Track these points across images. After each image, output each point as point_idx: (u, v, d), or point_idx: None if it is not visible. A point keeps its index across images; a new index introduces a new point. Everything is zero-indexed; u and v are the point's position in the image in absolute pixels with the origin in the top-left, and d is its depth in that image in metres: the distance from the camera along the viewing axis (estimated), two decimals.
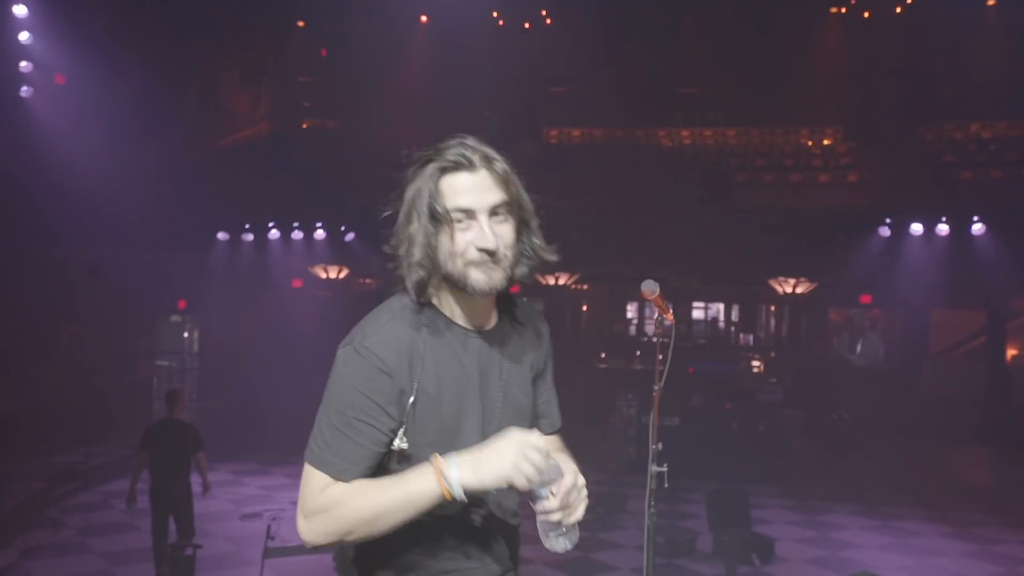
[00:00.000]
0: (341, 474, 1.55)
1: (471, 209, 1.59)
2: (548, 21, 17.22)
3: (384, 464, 1.61)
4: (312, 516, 1.53)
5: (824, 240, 12.23)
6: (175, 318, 12.48)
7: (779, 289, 13.43)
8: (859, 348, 14.43)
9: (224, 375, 12.44)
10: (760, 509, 8.21)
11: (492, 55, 15.85)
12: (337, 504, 1.53)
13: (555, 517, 1.53)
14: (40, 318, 11.01)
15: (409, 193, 1.62)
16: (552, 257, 1.72)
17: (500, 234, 1.61)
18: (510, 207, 1.63)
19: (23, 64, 10.88)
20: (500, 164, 1.62)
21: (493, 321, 1.75)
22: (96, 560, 6.57)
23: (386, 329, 1.62)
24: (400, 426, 1.59)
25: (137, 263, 11.78)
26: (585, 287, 14.88)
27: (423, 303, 1.65)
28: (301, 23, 16.17)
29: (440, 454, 1.53)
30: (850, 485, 9.49)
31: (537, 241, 1.69)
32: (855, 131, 15.67)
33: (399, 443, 1.60)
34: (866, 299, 13.39)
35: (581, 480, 1.58)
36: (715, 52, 16.14)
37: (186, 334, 12.41)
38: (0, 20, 10.48)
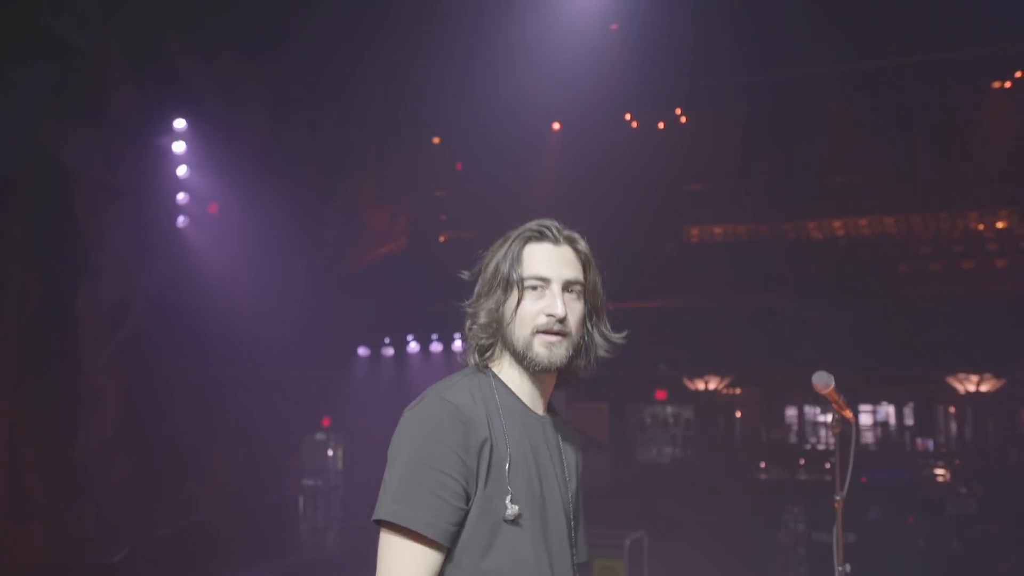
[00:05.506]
0: (424, 528, 1.51)
1: (547, 278, 1.67)
2: (683, 119, 17.27)
3: (492, 532, 1.57)
4: None
5: (1010, 331, 11.30)
6: (320, 436, 12.79)
7: (960, 387, 12.45)
8: None
9: (370, 493, 12.51)
10: None
11: (626, 158, 16.01)
12: None
13: None
14: (195, 439, 11.53)
15: (492, 262, 1.73)
16: (620, 342, 1.78)
17: (571, 309, 1.68)
18: (584, 289, 1.71)
19: (180, 196, 11.79)
20: (583, 246, 1.73)
21: (543, 411, 1.77)
22: None
23: (461, 385, 1.66)
24: (480, 483, 1.58)
25: (284, 382, 12.24)
26: (738, 391, 14.30)
27: (487, 372, 1.71)
28: (436, 139, 16.89)
29: (534, 525, 1.58)
30: None
31: (605, 330, 1.77)
32: None
33: (510, 510, 1.57)
34: None
35: None
36: (865, 137, 15.66)
37: (330, 452, 12.66)
38: (161, 156, 11.43)
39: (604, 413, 13.93)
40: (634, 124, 17.27)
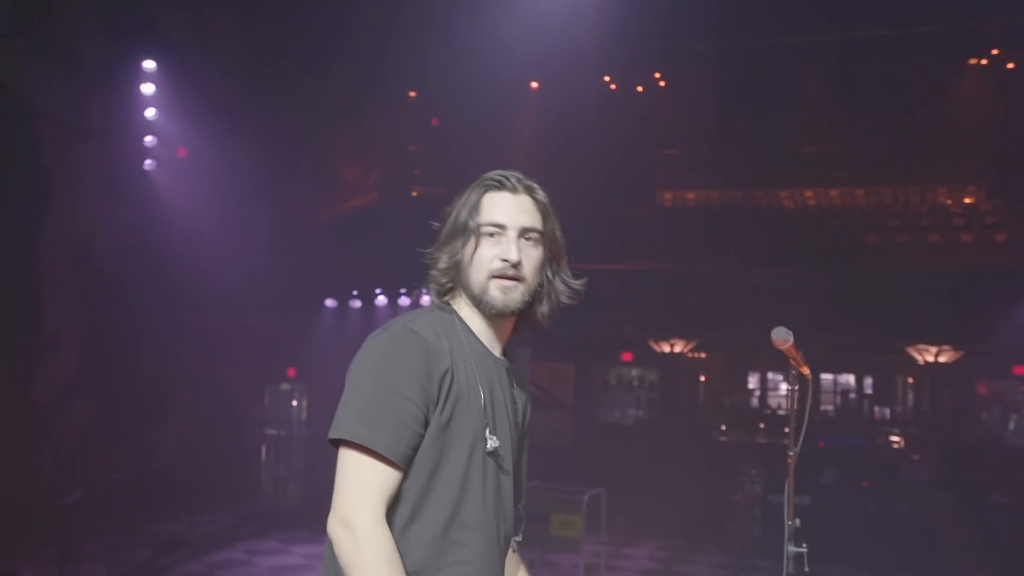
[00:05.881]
0: (386, 450, 1.56)
1: (503, 224, 1.73)
2: (662, 84, 17.16)
3: (442, 457, 1.63)
4: (357, 530, 1.52)
5: (970, 305, 11.44)
6: (285, 386, 12.72)
7: (919, 358, 12.61)
8: (1011, 425, 13.34)
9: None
10: None
11: (603, 119, 15.88)
12: (377, 557, 1.52)
13: None
14: (158, 385, 11.42)
15: (454, 210, 1.79)
16: (580, 288, 1.82)
17: (527, 256, 1.73)
18: (542, 236, 1.76)
19: (148, 139, 11.52)
20: (542, 196, 1.79)
21: (500, 355, 1.82)
22: None
23: (426, 319, 1.71)
24: (438, 411, 1.62)
25: (250, 331, 12.13)
26: (703, 355, 14.41)
27: (449, 310, 1.77)
28: (412, 93, 16.63)
29: (505, 464, 1.71)
30: None
31: (566, 276, 1.82)
32: (1000, 188, 14.79)
33: (491, 443, 1.67)
34: (1020, 370, 12.42)
35: None
36: (840, 108, 15.67)
37: (295, 402, 12.60)
38: (129, 97, 11.14)
39: (569, 373, 13.98)
40: (612, 86, 17.13)
